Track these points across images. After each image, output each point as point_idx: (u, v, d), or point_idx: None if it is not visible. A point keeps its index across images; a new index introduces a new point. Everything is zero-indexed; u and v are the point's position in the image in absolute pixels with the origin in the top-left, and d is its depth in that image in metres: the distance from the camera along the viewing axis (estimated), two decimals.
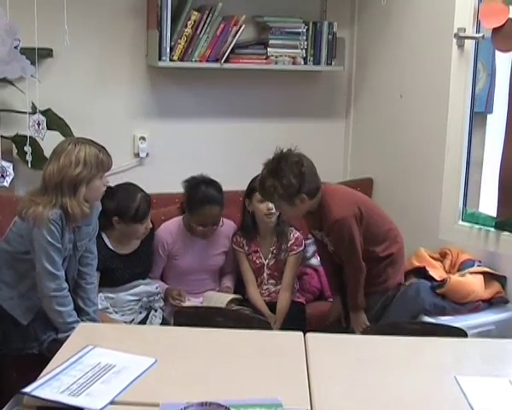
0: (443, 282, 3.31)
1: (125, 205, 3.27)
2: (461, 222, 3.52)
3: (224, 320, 2.64)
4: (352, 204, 3.11)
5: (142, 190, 3.35)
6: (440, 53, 3.50)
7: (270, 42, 4.07)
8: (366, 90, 4.43)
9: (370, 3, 4.28)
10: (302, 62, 4.16)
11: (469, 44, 3.29)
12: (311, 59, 4.19)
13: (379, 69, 4.25)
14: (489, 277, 3.43)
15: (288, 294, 3.56)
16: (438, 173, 3.67)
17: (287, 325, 3.36)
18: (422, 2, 3.75)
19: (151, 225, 3.41)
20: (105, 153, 2.82)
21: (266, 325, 2.67)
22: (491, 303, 3.38)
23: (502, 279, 3.45)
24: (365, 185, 4.33)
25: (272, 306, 3.53)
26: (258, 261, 3.60)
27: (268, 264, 3.61)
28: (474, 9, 3.22)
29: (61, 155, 2.75)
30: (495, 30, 3.04)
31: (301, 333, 2.46)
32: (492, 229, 3.25)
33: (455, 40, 3.22)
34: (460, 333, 2.55)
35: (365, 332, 2.69)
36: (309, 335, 2.46)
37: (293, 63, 4.14)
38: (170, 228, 3.60)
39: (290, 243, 3.60)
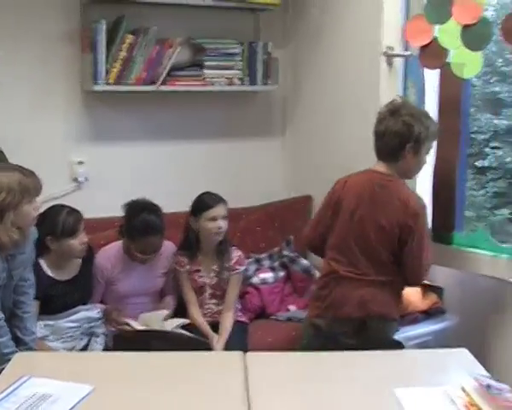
0: None
1: (52, 221, 3.24)
2: None
3: (164, 344, 2.63)
4: None
5: (69, 207, 3.34)
6: (370, 70, 3.57)
7: (206, 63, 4.08)
8: (301, 107, 4.47)
9: (302, 23, 4.33)
10: (238, 83, 4.18)
11: (398, 62, 3.38)
12: (247, 79, 4.21)
13: (313, 87, 4.30)
14: (426, 288, 3.50)
15: (231, 313, 3.55)
16: None
17: (230, 345, 3.37)
18: (352, 20, 3.81)
19: (86, 239, 3.36)
20: (32, 178, 2.77)
21: (207, 346, 2.67)
22: (428, 314, 3.45)
23: (438, 290, 3.53)
24: (304, 203, 4.38)
25: (214, 326, 3.52)
26: (199, 281, 3.58)
27: (210, 283, 3.59)
28: (401, 28, 3.31)
29: None
30: (422, 48, 3.15)
31: (241, 353, 2.47)
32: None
33: (384, 58, 3.29)
34: (397, 345, 2.59)
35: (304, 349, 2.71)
36: (249, 354, 2.47)
37: (230, 84, 4.15)
38: (108, 253, 3.56)
39: (232, 262, 3.60)
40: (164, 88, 3.95)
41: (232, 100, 4.34)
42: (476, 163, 7.30)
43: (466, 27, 2.98)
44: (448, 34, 3.06)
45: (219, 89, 4.15)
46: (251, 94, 4.41)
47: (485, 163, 7.18)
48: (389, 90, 3.30)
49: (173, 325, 3.37)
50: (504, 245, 3.14)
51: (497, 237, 6.87)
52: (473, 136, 7.20)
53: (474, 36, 2.96)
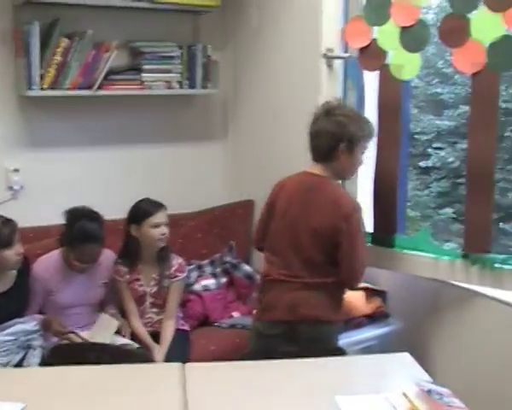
0: None
1: None
2: None
3: (100, 356, 2.55)
4: None
5: (3, 217, 3.22)
6: (311, 72, 3.53)
7: (144, 67, 4.01)
8: (242, 111, 4.43)
9: (242, 25, 4.30)
10: (177, 86, 4.14)
11: (338, 64, 3.37)
12: (187, 83, 4.17)
13: (253, 90, 4.27)
14: (370, 292, 3.49)
15: (172, 322, 3.50)
16: None
17: (171, 354, 3.33)
18: (292, 21, 3.78)
19: (21, 250, 3.26)
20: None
21: (146, 358, 2.60)
22: (372, 318, 3.43)
23: (382, 294, 3.52)
24: (246, 207, 4.35)
25: (156, 335, 3.45)
26: (139, 290, 3.52)
27: (150, 292, 3.53)
28: (340, 30, 3.29)
29: None
30: (361, 50, 3.14)
31: (180, 364, 2.42)
32: (369, 244, 3.25)
33: (323, 60, 3.26)
34: (339, 351, 2.56)
35: (243, 358, 2.66)
36: (188, 365, 2.41)
37: (168, 88, 4.10)
38: (46, 263, 3.46)
39: (173, 269, 3.54)
40: (101, 92, 3.88)
41: (171, 104, 4.29)
42: (420, 163, 7.40)
43: (404, 29, 2.97)
44: (387, 36, 3.06)
45: (158, 93, 4.09)
46: (190, 97, 4.36)
47: (429, 163, 7.28)
48: (329, 91, 3.27)
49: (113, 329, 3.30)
50: (445, 247, 3.14)
51: (440, 236, 6.94)
52: (416, 137, 7.30)
53: (412, 38, 2.95)
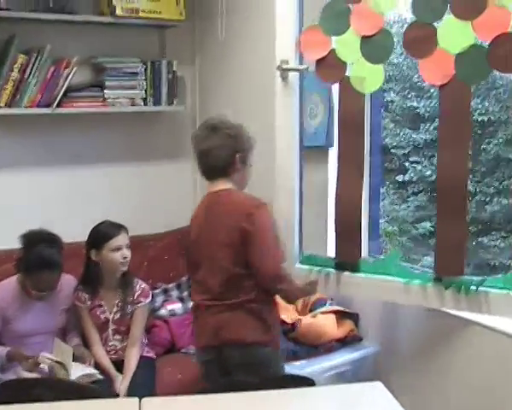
0: (294, 326, 3.20)
1: None
2: (298, 265, 3.22)
3: (52, 392, 2.39)
4: None
5: None
6: (269, 86, 3.38)
7: (107, 83, 3.89)
8: None
9: (209, 40, 4.20)
10: (142, 104, 4.03)
11: (293, 77, 3.12)
12: (151, 100, 4.06)
13: (221, 106, 4.14)
14: (341, 315, 3.36)
15: (136, 350, 3.36)
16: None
17: (135, 384, 3.19)
18: (253, 34, 3.69)
19: None
20: None
21: (99, 394, 2.45)
22: (344, 342, 3.29)
23: (354, 317, 3.38)
24: None
25: (119, 364, 3.31)
26: (102, 316, 3.37)
27: (113, 319, 3.38)
28: (295, 40, 3.05)
29: None
30: (318, 61, 2.94)
31: (137, 399, 2.28)
32: (333, 270, 3.05)
33: (278, 73, 3.04)
34: (307, 382, 2.41)
35: (204, 392, 2.51)
36: (144, 400, 2.27)
37: (132, 105, 3.99)
38: (3, 289, 3.31)
39: (136, 294, 3.41)
40: (61, 110, 3.76)
41: (136, 122, 4.17)
42: (397, 178, 7.35)
43: (366, 39, 2.77)
44: (346, 46, 2.84)
45: (121, 110, 3.98)
46: (156, 115, 4.24)
47: (406, 178, 7.24)
48: (285, 108, 3.06)
49: (79, 373, 3.12)
50: (416, 271, 2.95)
51: (419, 251, 6.86)
52: (393, 151, 7.26)
53: (375, 48, 2.75)
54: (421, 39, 2.59)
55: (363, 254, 3.13)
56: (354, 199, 2.91)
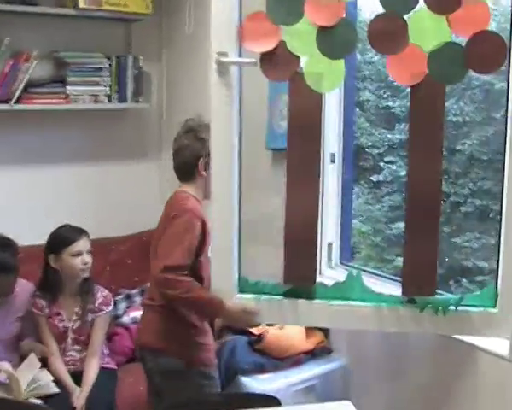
0: (260, 336, 3.06)
1: None
2: (238, 295, 2.54)
3: None
4: None
5: None
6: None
7: (69, 79, 3.76)
8: (177, 126, 4.12)
9: (177, 34, 4.09)
10: (106, 100, 3.90)
11: (234, 72, 2.52)
12: (116, 96, 3.93)
13: (188, 103, 4.02)
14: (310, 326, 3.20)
15: (96, 360, 3.22)
16: None
17: (94, 397, 3.06)
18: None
19: None
20: None
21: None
22: (313, 355, 3.15)
23: (324, 328, 3.22)
24: None
25: (78, 376, 3.16)
26: (60, 325, 3.23)
27: (72, 328, 3.24)
28: (236, 29, 2.47)
29: None
30: (264, 55, 2.42)
31: None
32: (282, 298, 2.52)
33: (215, 67, 2.47)
34: (272, 401, 2.27)
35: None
36: None
37: (96, 102, 3.86)
38: None
39: (97, 302, 3.28)
40: (19, 106, 3.63)
41: (100, 119, 4.05)
42: (372, 177, 7.27)
43: (323, 30, 2.35)
44: (299, 38, 2.38)
45: (84, 107, 3.85)
46: (121, 112, 4.12)
47: (380, 177, 7.16)
48: (220, 103, 2.48)
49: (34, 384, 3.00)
50: (384, 294, 2.48)
51: (393, 251, 6.77)
52: (367, 150, 7.17)
53: (334, 41, 2.35)
54: (389, 33, 2.29)
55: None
56: (308, 215, 2.46)
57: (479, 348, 2.52)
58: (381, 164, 7.26)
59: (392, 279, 3.12)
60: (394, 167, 7.15)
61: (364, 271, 3.36)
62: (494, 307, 2.37)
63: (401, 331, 2.59)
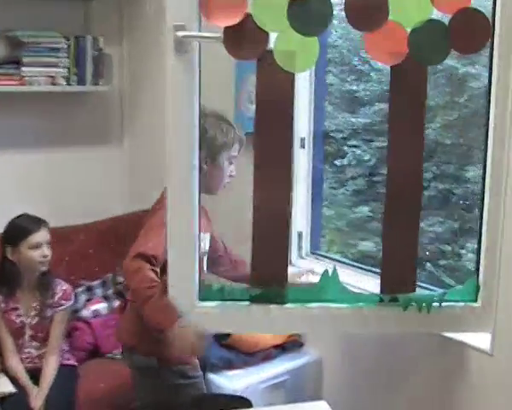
0: None
1: None
2: (199, 303, 2.19)
3: None
4: None
5: None
6: None
7: (25, 60, 3.60)
8: (141, 110, 4.07)
9: (138, 14, 3.93)
10: (64, 83, 3.73)
11: (194, 48, 2.19)
12: (75, 79, 3.77)
13: (152, 86, 3.88)
14: None
15: (55, 358, 3.10)
16: None
17: (53, 396, 2.96)
18: None
19: None
20: None
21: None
22: (284, 349, 3.03)
23: None
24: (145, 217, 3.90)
25: (36, 374, 3.04)
26: (17, 321, 3.10)
27: (30, 323, 3.12)
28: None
29: None
30: (228, 29, 2.14)
31: None
32: (250, 304, 2.24)
33: (172, 43, 2.13)
34: (243, 403, 2.15)
35: None
36: None
37: (53, 84, 3.69)
38: None
39: (56, 297, 3.15)
40: None
41: (58, 102, 3.86)
42: (336, 162, 7.23)
43: (295, 2, 2.12)
44: (268, 10, 2.13)
45: (40, 89, 3.66)
46: (80, 95, 3.93)
47: (345, 162, 7.11)
48: (181, 87, 2.14)
49: None
50: (364, 293, 2.34)
51: (357, 235, 6.72)
52: (332, 134, 7.12)
53: (308, 15, 2.12)
54: (367, 8, 2.10)
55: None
56: (279, 207, 2.21)
57: (461, 343, 2.44)
58: (345, 148, 7.23)
59: (371, 271, 3.02)
60: (358, 152, 7.12)
61: (340, 262, 3.26)
62: (475, 301, 2.26)
63: (384, 332, 2.46)
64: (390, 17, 2.11)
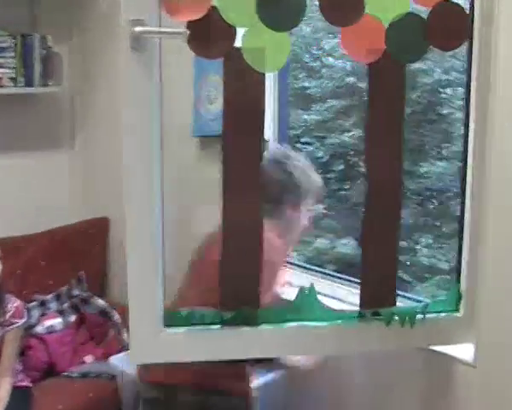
0: None
1: None
2: (164, 329, 2.00)
3: None
4: None
5: None
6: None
7: None
8: (94, 113, 3.92)
9: (89, 11, 3.79)
10: (11, 84, 3.58)
11: (153, 46, 2.00)
12: (22, 80, 3.61)
13: (106, 88, 3.76)
14: None
15: (8, 379, 2.94)
16: None
17: None
18: None
19: None
20: None
21: None
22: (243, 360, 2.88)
23: None
24: (100, 226, 3.86)
25: None
26: None
27: None
28: None
29: None
30: (191, 24, 1.96)
31: None
32: (220, 328, 2.05)
33: (128, 40, 1.92)
34: None
35: None
36: None
37: None
38: None
39: (8, 314, 2.98)
40: None
41: (4, 105, 3.67)
42: None
43: None
44: (236, 3, 1.98)
45: None
46: (28, 97, 3.76)
47: None
48: (134, 85, 1.92)
49: None
50: (344, 310, 2.19)
51: (312, 233, 6.64)
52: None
53: (278, 8, 1.98)
54: (343, 2, 1.99)
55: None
56: (251, 217, 2.03)
57: (445, 355, 2.34)
58: (298, 146, 7.20)
59: (350, 281, 2.92)
60: (311, 149, 7.11)
61: (319, 272, 3.14)
62: (458, 311, 2.17)
63: (366, 351, 2.34)
64: (366, 10, 2.00)
